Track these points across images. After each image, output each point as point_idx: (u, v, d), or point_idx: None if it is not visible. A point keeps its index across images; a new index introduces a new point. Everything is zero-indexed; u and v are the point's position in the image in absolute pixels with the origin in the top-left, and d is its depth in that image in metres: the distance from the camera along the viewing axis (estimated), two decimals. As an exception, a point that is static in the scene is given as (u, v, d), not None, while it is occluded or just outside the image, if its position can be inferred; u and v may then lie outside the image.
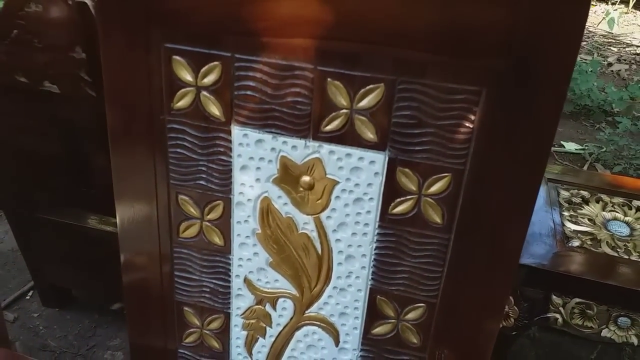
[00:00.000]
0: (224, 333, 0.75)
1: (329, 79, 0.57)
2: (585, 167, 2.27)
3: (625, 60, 3.45)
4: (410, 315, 0.67)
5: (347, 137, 0.60)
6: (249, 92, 0.60)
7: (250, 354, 0.76)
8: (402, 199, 0.61)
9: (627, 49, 3.65)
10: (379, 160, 0.60)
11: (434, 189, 0.60)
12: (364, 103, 0.58)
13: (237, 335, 0.75)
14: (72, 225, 1.34)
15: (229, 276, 0.71)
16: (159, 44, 0.60)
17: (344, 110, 0.58)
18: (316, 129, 0.60)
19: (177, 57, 0.60)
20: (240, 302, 0.73)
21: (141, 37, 0.60)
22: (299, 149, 0.62)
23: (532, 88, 0.52)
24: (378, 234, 0.64)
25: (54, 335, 1.47)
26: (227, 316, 0.74)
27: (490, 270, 0.60)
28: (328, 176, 0.62)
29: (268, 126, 0.61)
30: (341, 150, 0.61)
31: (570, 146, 2.42)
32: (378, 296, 0.67)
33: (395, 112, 0.57)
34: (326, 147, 0.61)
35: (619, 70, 3.27)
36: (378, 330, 0.69)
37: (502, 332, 1.36)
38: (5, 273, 1.63)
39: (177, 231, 0.70)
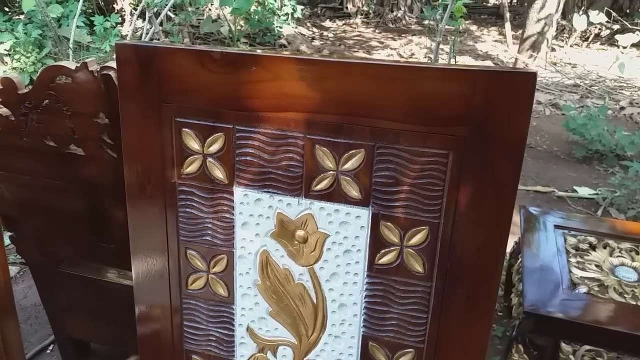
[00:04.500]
0: (229, 379, 0.80)
1: (317, 146, 0.65)
2: (599, 212, 2.28)
3: (637, 103, 3.50)
4: (400, 360, 0.71)
5: (334, 195, 0.67)
6: (248, 158, 0.68)
7: (253, 400, 0.80)
8: (386, 250, 0.68)
9: (638, 92, 3.70)
10: (363, 215, 0.67)
11: (414, 240, 0.66)
12: (348, 165, 0.65)
13: (241, 381, 0.80)
14: (93, 279, 1.41)
15: (233, 325, 0.77)
16: (171, 118, 0.69)
17: (331, 172, 0.66)
18: (307, 188, 0.68)
19: (186, 129, 0.69)
20: (244, 350, 0.78)
21: (155, 112, 0.69)
22: (293, 206, 0.69)
23: (492, 150, 0.59)
24: (367, 282, 0.70)
25: (72, 389, 1.51)
26: (232, 363, 0.79)
27: (470, 315, 0.66)
28: (320, 230, 0.69)
29: (266, 187, 0.69)
30: (330, 206, 0.68)
31: (584, 191, 2.43)
32: (370, 342, 0.72)
33: (376, 172, 0.65)
34: (317, 204, 0.68)
35: (632, 113, 3.31)
36: (371, 374, 0.74)
37: (513, 380, 1.36)
38: (27, 327, 1.70)
39: (186, 283, 0.77)
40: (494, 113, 0.58)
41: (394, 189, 0.65)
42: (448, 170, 0.62)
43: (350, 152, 0.64)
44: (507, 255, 1.73)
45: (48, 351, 1.64)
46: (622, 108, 3.42)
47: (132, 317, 0.81)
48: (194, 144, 0.69)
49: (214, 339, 0.78)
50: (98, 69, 1.18)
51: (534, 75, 0.57)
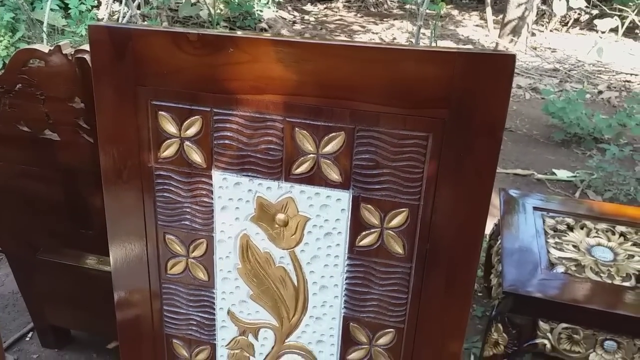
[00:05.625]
0: (210, 363, 0.80)
1: (296, 129, 0.65)
2: (577, 194, 2.33)
3: (615, 87, 3.56)
4: (381, 341, 0.72)
5: (315, 178, 0.67)
6: (226, 141, 0.67)
7: (235, 382, 0.81)
8: (366, 232, 0.68)
9: (616, 76, 3.76)
10: (344, 198, 0.67)
11: (394, 222, 0.66)
12: (328, 148, 0.65)
13: (223, 365, 0.80)
14: (71, 266, 1.39)
15: (214, 309, 0.77)
16: (147, 101, 0.68)
17: (311, 155, 0.66)
18: (287, 171, 0.67)
19: (163, 113, 0.68)
20: (225, 333, 0.78)
21: (130, 95, 0.68)
22: (273, 190, 0.69)
23: (471, 132, 0.60)
24: (348, 264, 0.70)
25: (54, 376, 1.50)
26: (213, 347, 0.79)
27: (449, 296, 0.66)
28: (300, 213, 0.69)
29: (245, 170, 0.68)
30: (310, 189, 0.68)
31: (562, 174, 2.47)
32: (351, 323, 0.73)
33: (356, 155, 0.64)
34: (297, 188, 0.68)
35: (609, 97, 3.37)
36: (352, 356, 0.74)
37: (493, 359, 1.39)
38: (5, 315, 1.67)
39: (165, 268, 0.76)
40: (474, 95, 0.58)
41: (374, 172, 0.65)
42: (428, 152, 0.62)
43: (330, 135, 0.64)
44: (487, 237, 1.76)
45: (27, 338, 1.62)
46: (600, 92, 3.47)
47: (113, 304, 0.80)
48: (170, 127, 0.68)
49: (195, 323, 0.78)
50: (72, 52, 1.15)
51: (512, 57, 0.57)
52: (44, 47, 1.16)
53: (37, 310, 1.52)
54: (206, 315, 0.77)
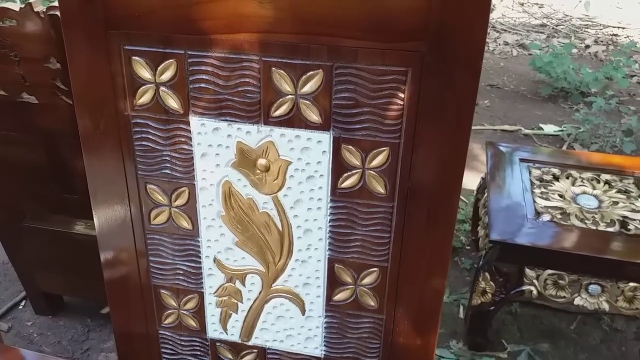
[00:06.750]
0: (199, 312, 0.81)
1: (273, 68, 0.63)
2: (564, 148, 2.34)
3: (602, 41, 3.54)
4: (366, 280, 0.73)
5: (294, 120, 0.66)
6: (202, 85, 0.66)
7: (225, 329, 0.82)
8: (348, 173, 0.68)
9: (603, 30, 3.74)
10: (325, 140, 0.66)
11: (375, 162, 0.66)
12: (306, 88, 0.64)
13: (212, 312, 0.81)
14: (59, 232, 1.39)
15: (200, 257, 0.77)
16: (119, 46, 0.66)
17: (290, 96, 0.65)
18: (266, 114, 0.66)
19: (136, 58, 0.66)
20: (212, 281, 0.78)
21: (102, 41, 0.66)
22: (252, 134, 0.68)
23: (450, 65, 0.59)
24: (331, 207, 0.70)
25: (48, 342, 1.51)
26: (201, 295, 0.80)
27: (431, 232, 0.67)
28: (281, 157, 0.69)
29: (223, 115, 0.67)
30: (291, 132, 0.67)
31: (549, 128, 2.48)
32: (336, 265, 0.73)
33: (335, 94, 0.64)
34: (277, 131, 0.67)
35: (597, 51, 3.35)
36: (339, 296, 0.75)
37: (480, 308, 1.42)
38: (-3, 285, 1.68)
39: (148, 219, 0.76)
40: (452, 26, 0.57)
41: (354, 111, 0.64)
42: (407, 87, 0.61)
43: (308, 73, 0.63)
44: (475, 191, 1.77)
45: (20, 307, 1.63)
46: (588, 46, 3.45)
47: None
48: (145, 72, 0.67)
49: (182, 272, 0.78)
50: (44, 10, 1.11)
51: (489, -15, 0.56)
52: (14, 6, 1.13)
53: (28, 278, 1.52)
54: (192, 264, 0.78)
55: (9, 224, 1.42)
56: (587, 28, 3.77)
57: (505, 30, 3.67)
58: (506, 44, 3.46)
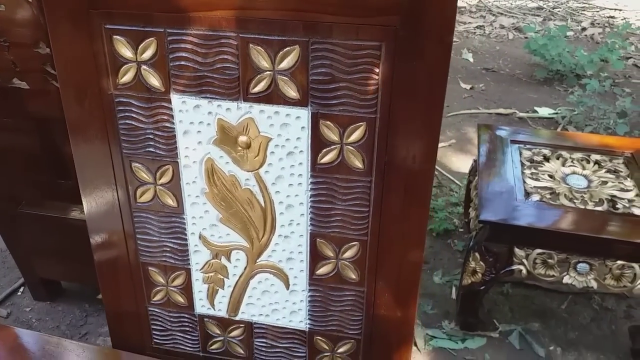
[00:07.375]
0: (187, 289, 0.83)
1: (251, 45, 0.64)
2: (557, 130, 2.34)
3: (598, 24, 3.51)
4: (347, 254, 0.75)
5: (273, 96, 0.67)
6: (182, 63, 0.67)
7: (212, 305, 0.84)
8: (327, 149, 0.69)
9: (600, 12, 3.71)
10: (303, 116, 0.68)
11: (352, 137, 0.67)
12: (284, 64, 0.65)
13: (199, 288, 0.83)
14: (55, 217, 1.40)
15: (185, 234, 0.79)
16: (100, 25, 0.67)
17: (268, 72, 0.66)
18: (245, 91, 0.67)
19: (117, 37, 0.67)
20: (198, 257, 0.80)
21: (84, 21, 0.67)
22: (232, 111, 0.69)
23: (422, 38, 0.60)
24: (311, 182, 0.72)
25: (47, 327, 1.53)
26: (188, 272, 0.81)
27: (408, 205, 0.68)
28: (261, 134, 0.70)
29: (203, 92, 0.68)
30: (270, 109, 0.68)
31: (544, 111, 2.47)
32: (318, 239, 0.75)
33: (312, 70, 0.65)
34: (256, 107, 0.68)
35: (593, 34, 3.33)
36: (321, 270, 0.77)
37: (471, 287, 1.44)
38: (-5, 271, 1.70)
39: (135, 197, 0.77)
40: (423, 1, 0.58)
41: (330, 86, 0.65)
42: (381, 62, 0.62)
43: (285, 49, 0.64)
44: (466, 174, 1.78)
45: (19, 293, 1.65)
46: (584, 29, 3.43)
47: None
48: (126, 51, 0.68)
49: (168, 249, 0.80)
50: (32, -6, 1.11)
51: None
52: (3, -9, 1.13)
53: (26, 264, 1.53)
54: (179, 241, 0.79)
55: (5, 211, 1.43)
56: (584, 10, 3.75)
57: (502, 14, 3.65)
58: (502, 27, 3.44)
